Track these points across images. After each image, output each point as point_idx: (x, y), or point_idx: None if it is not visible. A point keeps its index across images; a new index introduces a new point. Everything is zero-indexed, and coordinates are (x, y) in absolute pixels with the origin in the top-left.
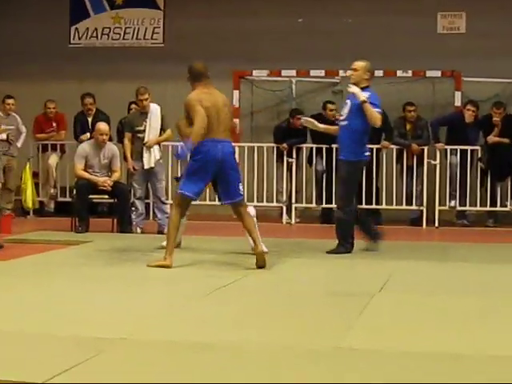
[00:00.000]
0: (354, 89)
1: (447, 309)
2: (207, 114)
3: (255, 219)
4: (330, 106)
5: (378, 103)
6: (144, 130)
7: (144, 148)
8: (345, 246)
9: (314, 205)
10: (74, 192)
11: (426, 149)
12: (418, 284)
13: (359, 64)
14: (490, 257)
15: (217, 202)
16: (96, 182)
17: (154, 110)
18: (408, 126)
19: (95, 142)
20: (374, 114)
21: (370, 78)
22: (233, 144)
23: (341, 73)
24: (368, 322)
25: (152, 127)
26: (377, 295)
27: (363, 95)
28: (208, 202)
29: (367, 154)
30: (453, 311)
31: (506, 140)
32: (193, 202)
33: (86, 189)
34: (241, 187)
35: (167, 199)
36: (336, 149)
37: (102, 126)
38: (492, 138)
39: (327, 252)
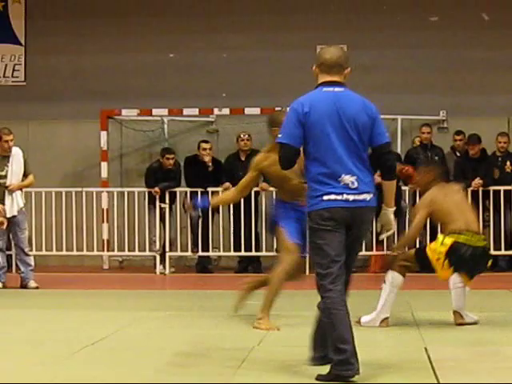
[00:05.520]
0: None
1: None
2: None
3: None
4: (204, 145)
5: None
6: (5, 176)
7: (6, 194)
8: None
9: (189, 253)
10: None
11: None
12: None
13: None
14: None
15: (67, 253)
16: None
17: (16, 153)
18: None
19: None
20: None
21: None
22: None
23: (215, 111)
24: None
25: (14, 172)
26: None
27: None
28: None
29: None
30: None
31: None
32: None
33: None
34: None
35: (31, 250)
36: (212, 192)
37: None
38: (377, 178)
39: None
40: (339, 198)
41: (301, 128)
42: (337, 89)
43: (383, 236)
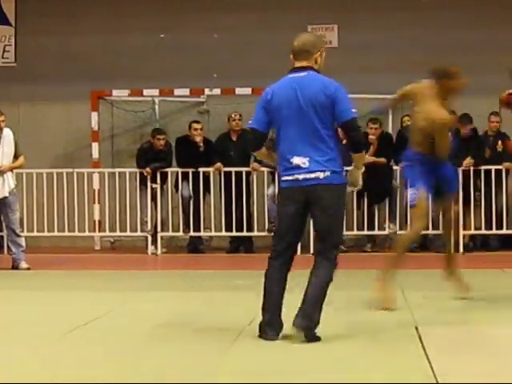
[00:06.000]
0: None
1: None
2: None
3: None
4: (195, 125)
5: None
6: None
7: None
8: None
9: (181, 233)
10: None
11: None
12: None
13: None
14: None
15: (58, 234)
16: None
17: (7, 135)
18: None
19: None
20: None
21: None
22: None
23: (206, 91)
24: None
25: (5, 153)
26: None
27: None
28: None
29: None
30: None
31: (382, 159)
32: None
33: None
34: None
35: (22, 231)
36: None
37: None
38: (368, 158)
39: None
40: (290, 178)
41: (266, 114)
42: (301, 74)
43: (348, 190)
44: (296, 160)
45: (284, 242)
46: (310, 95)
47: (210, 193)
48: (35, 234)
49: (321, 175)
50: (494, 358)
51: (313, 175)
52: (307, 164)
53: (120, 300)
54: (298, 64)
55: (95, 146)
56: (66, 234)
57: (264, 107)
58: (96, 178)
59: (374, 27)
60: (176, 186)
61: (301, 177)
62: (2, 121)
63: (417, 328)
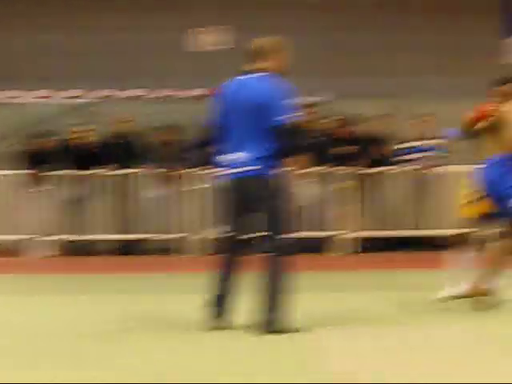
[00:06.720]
0: None
1: None
2: None
3: None
4: (85, 127)
5: None
6: None
7: None
8: None
9: (66, 236)
10: None
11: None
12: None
13: None
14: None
15: None
16: None
17: None
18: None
19: None
20: None
21: None
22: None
23: (96, 93)
24: None
25: None
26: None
27: None
28: None
29: None
30: None
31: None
32: None
33: None
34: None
35: None
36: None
37: None
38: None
39: None
40: (225, 172)
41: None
42: (252, 75)
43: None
44: (232, 156)
45: (228, 234)
46: (249, 97)
47: (98, 195)
48: None
49: (247, 169)
50: (425, 359)
51: (240, 169)
52: (239, 160)
53: None
54: (252, 66)
55: None
56: None
57: (217, 107)
58: None
59: (272, 29)
60: (63, 188)
61: (232, 171)
62: None
63: None
